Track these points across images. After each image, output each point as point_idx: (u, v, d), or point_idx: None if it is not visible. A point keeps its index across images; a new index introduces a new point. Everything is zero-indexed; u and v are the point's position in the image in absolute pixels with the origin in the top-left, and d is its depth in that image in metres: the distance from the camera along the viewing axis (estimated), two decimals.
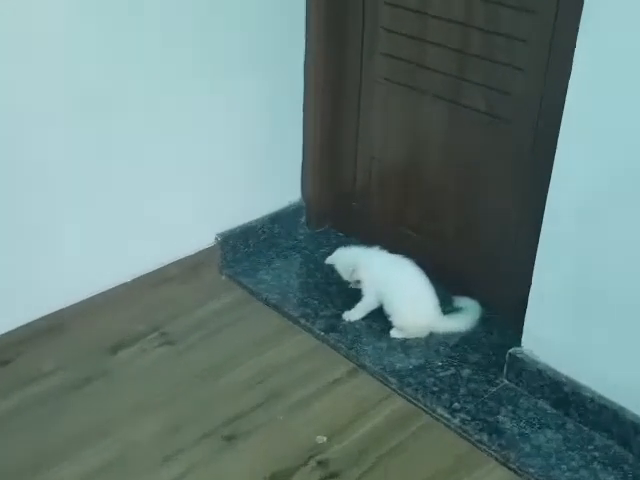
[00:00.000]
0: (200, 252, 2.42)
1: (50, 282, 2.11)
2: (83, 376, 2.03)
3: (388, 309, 2.18)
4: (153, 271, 2.32)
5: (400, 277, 2.18)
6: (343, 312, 2.27)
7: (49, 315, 2.12)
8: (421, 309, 2.16)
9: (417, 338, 2.18)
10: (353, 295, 2.34)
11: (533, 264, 1.92)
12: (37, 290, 2.10)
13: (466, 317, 2.19)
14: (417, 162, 2.37)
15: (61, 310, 2.14)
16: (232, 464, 1.80)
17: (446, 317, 2.18)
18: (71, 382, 2.01)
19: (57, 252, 2.10)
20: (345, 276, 2.25)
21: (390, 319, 2.18)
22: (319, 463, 1.80)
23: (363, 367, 2.10)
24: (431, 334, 2.19)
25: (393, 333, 2.18)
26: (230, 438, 1.86)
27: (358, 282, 2.22)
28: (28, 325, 2.09)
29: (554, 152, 1.80)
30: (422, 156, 2.35)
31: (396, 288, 2.17)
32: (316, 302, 2.34)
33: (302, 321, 2.26)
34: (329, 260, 2.31)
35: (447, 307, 2.22)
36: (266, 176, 2.53)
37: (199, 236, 2.42)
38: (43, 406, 1.93)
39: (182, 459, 1.80)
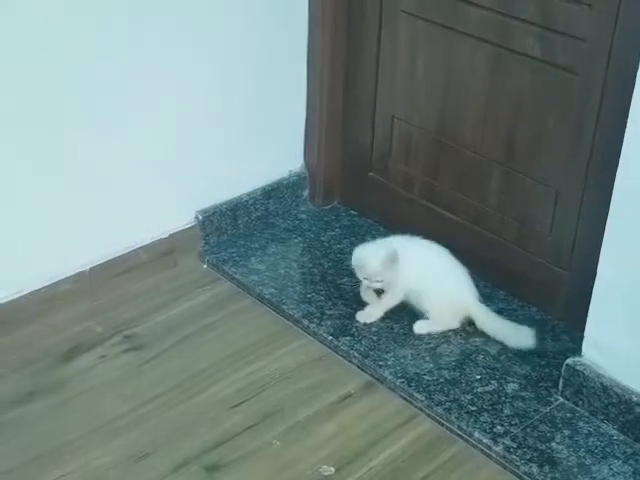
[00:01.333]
0: (176, 234, 2.42)
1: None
2: (27, 389, 2.03)
3: (420, 304, 2.22)
4: (116, 258, 2.32)
5: (438, 269, 2.21)
6: (356, 311, 2.27)
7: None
8: (458, 288, 2.21)
9: (450, 345, 2.18)
10: None
11: (597, 254, 1.92)
12: None
13: (516, 329, 2.19)
14: (451, 122, 2.36)
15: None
16: None
17: (490, 312, 2.21)
18: (12, 396, 2.01)
19: None
20: (373, 278, 2.19)
21: (422, 310, 2.22)
22: None
23: (381, 380, 2.11)
24: (468, 339, 2.19)
25: (418, 327, 2.21)
26: (212, 468, 1.87)
27: (381, 282, 2.20)
28: None
29: (627, 112, 1.78)
30: (458, 114, 2.34)
31: (433, 283, 2.20)
32: (322, 298, 2.34)
33: (305, 322, 2.27)
34: (356, 261, 2.22)
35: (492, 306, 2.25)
36: (259, 139, 2.52)
37: (175, 214, 2.42)
38: None
39: None
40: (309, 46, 2.51)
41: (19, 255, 2.14)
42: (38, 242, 2.17)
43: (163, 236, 2.40)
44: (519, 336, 2.17)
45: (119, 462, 1.87)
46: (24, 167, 2.09)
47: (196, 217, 2.47)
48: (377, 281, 2.18)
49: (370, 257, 2.17)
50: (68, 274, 2.24)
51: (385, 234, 2.56)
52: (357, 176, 2.63)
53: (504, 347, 2.18)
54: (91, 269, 2.28)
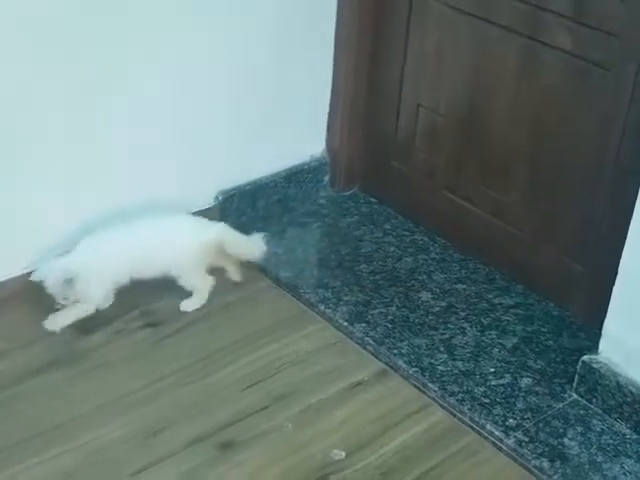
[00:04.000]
0: (195, 214, 2.41)
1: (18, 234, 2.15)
2: (44, 360, 2.07)
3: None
4: None
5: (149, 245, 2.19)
6: (372, 298, 2.29)
7: (6, 281, 2.16)
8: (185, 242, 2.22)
9: (465, 336, 2.21)
10: (385, 277, 2.37)
11: (619, 251, 1.93)
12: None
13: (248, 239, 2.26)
14: (478, 113, 2.37)
15: (19, 276, 2.18)
16: (227, 478, 1.83)
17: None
18: (29, 367, 2.04)
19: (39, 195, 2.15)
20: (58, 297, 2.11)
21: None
22: None
23: (395, 368, 2.13)
24: (484, 332, 2.21)
25: (184, 307, 2.25)
26: (225, 447, 1.90)
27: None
28: None
29: None
30: (485, 105, 2.35)
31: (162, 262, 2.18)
32: (339, 284, 2.36)
33: (321, 307, 2.29)
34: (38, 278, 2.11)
35: None
36: (282, 121, 2.54)
37: (195, 194, 2.44)
38: None
39: (165, 468, 1.84)
40: (336, 30, 2.52)
41: (47, 229, 2.18)
42: (63, 216, 2.20)
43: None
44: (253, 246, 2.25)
45: (133, 436, 1.90)
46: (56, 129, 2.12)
47: (216, 198, 2.49)
48: (64, 298, 2.12)
49: (48, 277, 2.09)
50: None
51: (403, 223, 2.60)
52: (379, 164, 2.65)
53: (520, 341, 2.20)
54: None
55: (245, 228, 2.50)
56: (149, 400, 1.99)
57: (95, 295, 2.15)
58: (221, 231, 2.27)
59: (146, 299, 2.26)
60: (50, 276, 2.08)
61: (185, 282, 2.22)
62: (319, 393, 2.05)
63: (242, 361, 2.12)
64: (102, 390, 2.01)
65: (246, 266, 2.35)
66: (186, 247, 2.21)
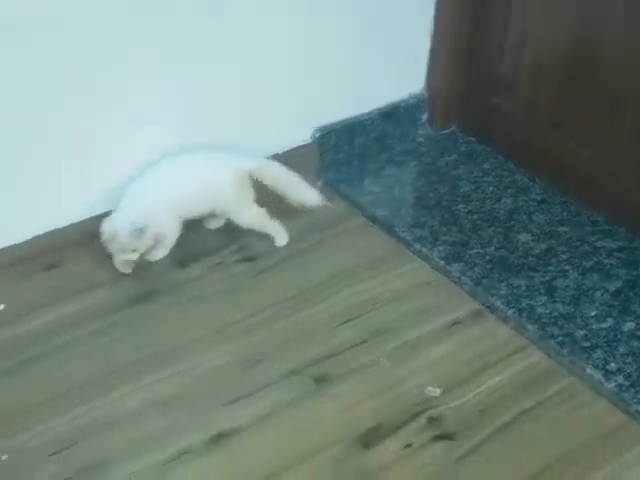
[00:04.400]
0: (292, 150, 2.44)
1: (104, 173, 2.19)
2: (143, 291, 2.12)
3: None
4: None
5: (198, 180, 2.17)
6: (470, 238, 2.27)
7: (105, 214, 2.19)
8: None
9: (567, 279, 2.17)
10: (484, 217, 2.33)
11: None
12: (88, 183, 2.18)
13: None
14: (587, 49, 2.29)
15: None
16: (321, 410, 1.85)
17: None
18: (129, 297, 2.09)
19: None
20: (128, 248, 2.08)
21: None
22: (430, 420, 1.83)
23: (492, 309, 2.10)
24: (585, 274, 2.17)
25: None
26: (320, 380, 1.91)
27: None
28: (80, 224, 2.19)
29: None
30: (595, 41, 2.27)
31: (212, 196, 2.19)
32: (436, 223, 2.34)
33: (417, 246, 2.27)
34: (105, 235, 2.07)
35: None
36: (381, 58, 2.50)
37: (292, 130, 2.44)
38: (98, 321, 2.03)
39: (262, 398, 1.86)
40: None
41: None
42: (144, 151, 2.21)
43: (280, 151, 2.41)
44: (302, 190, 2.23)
45: (230, 366, 1.94)
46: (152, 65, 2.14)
47: (313, 134, 2.48)
48: (133, 251, 2.07)
49: (118, 229, 2.04)
50: None
51: (503, 163, 2.55)
52: (479, 101, 2.59)
53: (624, 285, 2.14)
54: None
55: (341, 166, 2.51)
56: (245, 333, 2.02)
57: (169, 238, 2.16)
58: (260, 165, 2.23)
59: (244, 233, 2.27)
60: (120, 230, 2.04)
61: (238, 219, 2.22)
62: (415, 330, 2.04)
63: (337, 297, 2.12)
64: (198, 321, 2.05)
65: (342, 205, 2.36)
66: (223, 181, 2.18)
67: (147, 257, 2.14)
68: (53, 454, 1.73)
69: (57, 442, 1.75)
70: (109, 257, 2.13)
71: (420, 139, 2.65)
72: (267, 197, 2.24)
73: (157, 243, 2.13)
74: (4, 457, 1.72)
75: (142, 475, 1.70)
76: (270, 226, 2.25)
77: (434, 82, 2.60)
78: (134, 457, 1.73)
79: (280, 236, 2.26)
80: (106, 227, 2.06)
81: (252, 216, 2.24)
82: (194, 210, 2.20)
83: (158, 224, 2.10)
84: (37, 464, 1.72)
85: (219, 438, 1.78)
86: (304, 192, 2.25)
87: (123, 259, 2.09)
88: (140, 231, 2.04)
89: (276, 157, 2.39)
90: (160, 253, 2.18)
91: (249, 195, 2.23)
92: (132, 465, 1.72)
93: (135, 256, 2.08)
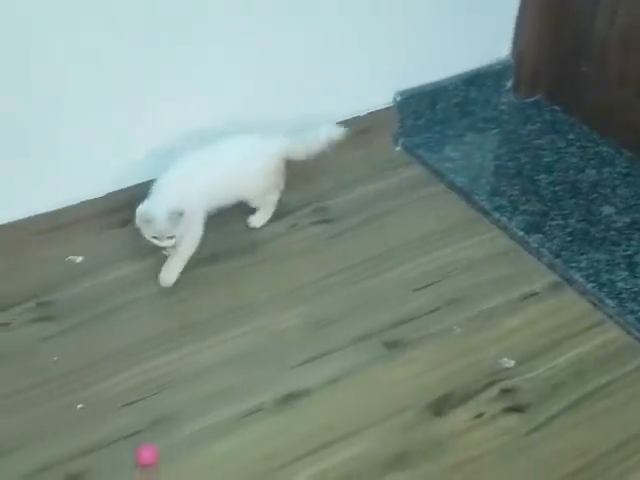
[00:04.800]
0: (373, 113, 2.42)
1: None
2: (220, 249, 2.13)
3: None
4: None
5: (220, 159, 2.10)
6: (551, 209, 2.22)
7: None
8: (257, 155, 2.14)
9: None
10: (566, 188, 2.28)
11: None
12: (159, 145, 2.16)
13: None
14: None
15: None
16: (392, 376, 1.85)
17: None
18: (208, 255, 2.10)
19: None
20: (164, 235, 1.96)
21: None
22: (503, 391, 1.81)
23: (571, 282, 2.06)
24: None
25: (254, 222, 2.20)
26: (392, 345, 1.90)
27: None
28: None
29: None
30: None
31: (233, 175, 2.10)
32: (517, 193, 2.30)
33: (496, 215, 2.24)
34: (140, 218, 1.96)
35: None
36: (466, 22, 2.44)
37: (373, 93, 2.41)
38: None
39: (332, 361, 1.87)
40: None
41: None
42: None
43: (360, 114, 2.40)
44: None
45: (302, 327, 1.95)
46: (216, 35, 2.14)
47: (394, 98, 2.45)
48: (168, 237, 1.95)
49: (156, 214, 1.93)
50: None
51: (588, 133, 2.49)
52: (567, 69, 2.52)
53: None
54: None
55: (421, 131, 2.48)
56: (319, 294, 2.02)
57: (201, 225, 2.07)
58: (283, 143, 2.16)
59: (319, 197, 2.27)
60: (159, 214, 1.92)
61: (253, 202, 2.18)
62: (490, 300, 2.01)
63: (413, 263, 2.11)
64: (274, 281, 2.06)
65: (420, 170, 2.34)
66: (255, 167, 2.13)
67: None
68: (126, 405, 1.77)
69: (130, 394, 1.79)
70: None
71: (503, 107, 2.60)
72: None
73: (190, 230, 2.03)
74: (79, 406, 1.77)
75: (213, 431, 1.72)
76: (267, 208, 2.21)
77: (520, 48, 2.54)
78: (205, 413, 1.75)
79: (262, 219, 2.20)
80: (142, 211, 1.95)
81: (268, 202, 2.20)
82: (222, 199, 2.11)
83: (192, 211, 2.00)
84: (110, 415, 1.75)
85: (289, 398, 1.79)
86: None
87: (157, 245, 1.98)
88: (179, 215, 1.93)
89: (357, 120, 2.39)
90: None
91: (279, 180, 2.19)
92: (202, 420, 1.74)
93: (170, 243, 1.96)
